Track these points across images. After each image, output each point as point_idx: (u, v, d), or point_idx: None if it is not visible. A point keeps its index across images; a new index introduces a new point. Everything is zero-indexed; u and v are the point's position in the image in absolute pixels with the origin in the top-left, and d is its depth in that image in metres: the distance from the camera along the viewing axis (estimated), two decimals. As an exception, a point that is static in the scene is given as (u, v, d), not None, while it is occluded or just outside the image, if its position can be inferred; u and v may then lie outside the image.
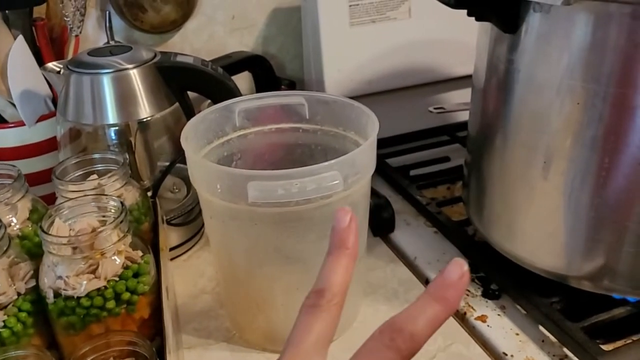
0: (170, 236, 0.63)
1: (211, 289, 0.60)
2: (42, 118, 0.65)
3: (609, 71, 0.45)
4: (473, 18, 0.51)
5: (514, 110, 0.52)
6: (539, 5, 0.46)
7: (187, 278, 0.61)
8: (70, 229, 0.44)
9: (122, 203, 0.45)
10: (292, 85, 0.86)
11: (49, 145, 0.66)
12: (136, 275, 0.44)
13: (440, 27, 0.81)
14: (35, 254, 0.47)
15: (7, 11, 0.61)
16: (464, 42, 0.81)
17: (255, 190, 0.42)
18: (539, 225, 0.53)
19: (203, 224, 0.68)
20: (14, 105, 0.63)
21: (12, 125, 0.64)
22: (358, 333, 0.53)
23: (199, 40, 0.83)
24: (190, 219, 0.65)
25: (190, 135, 0.49)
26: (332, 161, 0.43)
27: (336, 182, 0.42)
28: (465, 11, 0.51)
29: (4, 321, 0.41)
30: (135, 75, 0.58)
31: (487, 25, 0.53)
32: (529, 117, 0.51)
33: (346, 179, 0.44)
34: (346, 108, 0.53)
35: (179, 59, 0.61)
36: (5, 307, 0.42)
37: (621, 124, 0.46)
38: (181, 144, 0.62)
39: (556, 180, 0.50)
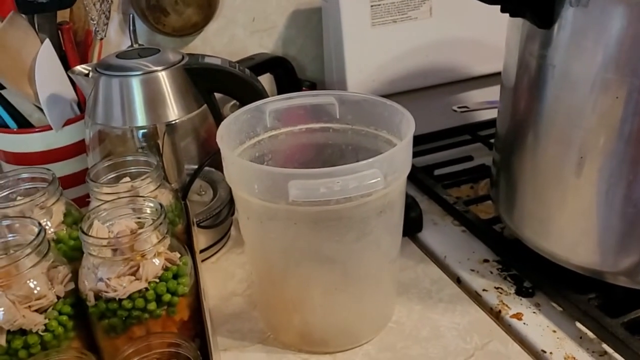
0: (198, 239, 0.63)
1: (242, 291, 0.60)
2: (68, 122, 0.65)
3: (645, 65, 0.45)
4: (497, 16, 0.51)
5: (548, 107, 0.52)
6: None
7: (217, 280, 0.61)
8: (109, 231, 0.44)
9: (160, 205, 0.45)
10: (312, 87, 0.86)
11: (76, 149, 0.66)
12: (176, 276, 0.44)
13: (462, 26, 0.80)
14: (70, 257, 0.47)
15: (34, 15, 0.61)
16: (485, 40, 0.81)
17: (296, 189, 0.41)
18: (573, 222, 0.53)
19: (230, 227, 0.68)
20: (40, 109, 0.63)
21: (39, 129, 0.64)
22: (393, 333, 0.53)
23: (219, 43, 0.83)
24: (218, 221, 0.65)
25: (225, 135, 0.49)
26: (372, 159, 0.43)
27: (377, 179, 0.42)
28: (490, 8, 0.50)
29: (45, 324, 0.41)
30: (164, 77, 0.58)
31: (518, 21, 0.53)
32: (563, 113, 0.50)
33: (385, 177, 0.43)
34: (378, 107, 0.53)
35: (207, 60, 0.61)
36: (46, 310, 0.42)
37: (657, 117, 0.45)
38: (208, 145, 0.62)
39: (591, 176, 0.50)
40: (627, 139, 0.47)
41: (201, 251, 0.64)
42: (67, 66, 0.64)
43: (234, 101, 0.78)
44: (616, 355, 0.49)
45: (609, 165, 0.49)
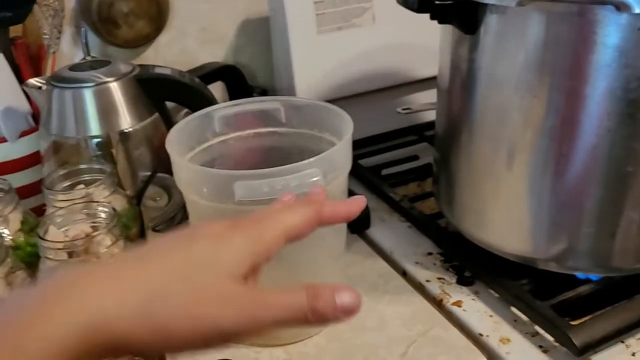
0: (154, 243, 0.65)
1: (198, 291, 0.62)
2: (23, 134, 0.66)
3: (562, 65, 0.49)
4: (435, 22, 0.55)
5: (478, 107, 0.56)
6: (495, 7, 0.50)
7: (173, 282, 0.63)
8: (65, 236, 0.46)
9: (113, 209, 0.47)
10: (263, 93, 0.88)
11: (31, 160, 0.67)
12: (130, 276, 0.46)
13: (403, 32, 0.84)
14: (28, 262, 0.49)
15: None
16: (426, 45, 0.85)
17: (242, 189, 0.44)
18: (505, 213, 0.57)
19: (186, 230, 0.70)
20: (-5, 122, 0.64)
21: (-6, 142, 0.65)
22: (341, 324, 0.56)
23: (171, 53, 0.85)
24: (173, 225, 0.67)
25: (174, 141, 0.51)
26: (312, 159, 0.46)
27: (317, 178, 0.45)
28: (427, 15, 0.54)
29: (4, 327, 0.43)
30: (115, 88, 0.60)
31: (448, 27, 0.57)
32: (492, 113, 0.55)
33: (325, 175, 0.46)
34: (320, 110, 0.57)
35: (157, 70, 0.63)
36: (4, 313, 0.43)
37: (575, 113, 0.50)
38: (161, 153, 0.64)
39: (519, 169, 0.54)
40: (549, 134, 0.51)
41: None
42: (20, 79, 0.66)
43: (186, 110, 0.81)
44: (546, 335, 0.53)
45: (535, 159, 0.53)
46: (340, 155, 0.49)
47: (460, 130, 0.59)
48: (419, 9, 0.51)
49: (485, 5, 0.50)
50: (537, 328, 0.54)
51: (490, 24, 0.51)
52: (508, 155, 0.54)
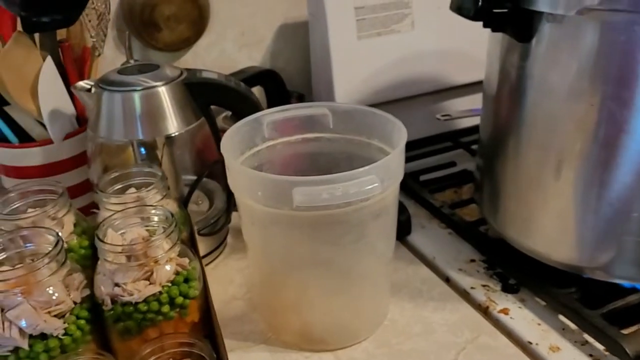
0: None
1: (242, 295, 0.62)
2: (68, 135, 0.67)
3: (616, 74, 0.49)
4: (476, 28, 0.54)
5: (527, 115, 0.56)
6: (551, 16, 0.49)
7: (217, 285, 0.63)
8: (122, 239, 0.46)
9: (171, 213, 0.47)
10: (301, 98, 0.89)
11: (75, 162, 0.68)
12: (187, 280, 0.47)
13: (442, 37, 0.84)
14: (81, 265, 0.49)
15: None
16: (465, 51, 0.85)
17: (301, 195, 0.44)
18: (553, 221, 0.57)
19: (227, 235, 0.71)
20: (41, 124, 0.65)
21: (40, 143, 0.66)
22: (389, 330, 0.56)
23: (210, 57, 0.85)
24: (216, 229, 0.67)
25: (228, 146, 0.52)
26: (370, 166, 0.46)
27: (375, 185, 0.45)
28: (467, 21, 0.54)
29: (64, 329, 0.43)
30: (164, 92, 0.60)
31: (498, 35, 0.57)
32: (542, 120, 0.54)
33: (382, 182, 0.46)
34: (369, 116, 0.57)
35: (205, 75, 0.63)
36: (64, 315, 0.44)
37: (627, 122, 0.49)
38: (205, 156, 0.65)
39: (569, 178, 0.54)
40: (601, 143, 0.51)
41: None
42: (66, 82, 0.66)
43: (226, 112, 0.81)
44: (596, 344, 0.52)
45: (585, 168, 0.53)
46: (395, 162, 0.49)
47: (507, 138, 0.59)
48: (474, 17, 0.51)
49: (541, 13, 0.50)
50: (587, 336, 0.53)
51: (545, 32, 0.51)
52: (557, 163, 0.54)
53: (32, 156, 0.66)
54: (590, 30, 0.48)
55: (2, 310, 0.42)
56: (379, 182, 0.46)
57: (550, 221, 0.57)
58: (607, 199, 0.53)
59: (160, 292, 0.45)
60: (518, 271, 0.61)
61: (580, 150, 0.52)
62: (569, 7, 0.48)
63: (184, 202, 0.62)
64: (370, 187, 0.45)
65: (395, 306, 0.59)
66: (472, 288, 0.61)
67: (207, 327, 0.49)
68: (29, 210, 0.52)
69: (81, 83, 0.61)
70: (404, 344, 0.54)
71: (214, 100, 0.64)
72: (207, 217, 0.67)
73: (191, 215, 0.66)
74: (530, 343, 0.53)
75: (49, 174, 0.67)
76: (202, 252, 0.66)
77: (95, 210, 0.56)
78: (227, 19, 0.84)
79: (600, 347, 0.52)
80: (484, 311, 0.58)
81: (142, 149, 0.61)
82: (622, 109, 0.49)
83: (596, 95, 0.50)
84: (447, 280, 0.63)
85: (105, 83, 0.60)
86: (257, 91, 0.83)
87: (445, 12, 0.57)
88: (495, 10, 0.50)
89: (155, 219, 0.49)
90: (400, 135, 0.51)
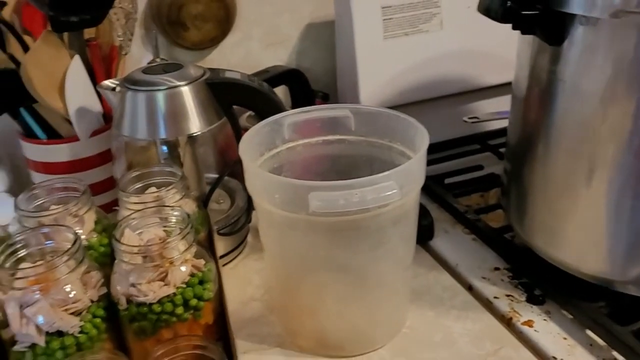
0: (217, 246, 0.65)
1: (260, 296, 0.62)
2: (94, 133, 0.67)
3: (653, 81, 0.46)
4: (506, 29, 0.53)
5: (558, 120, 0.54)
6: (585, 18, 0.47)
7: (235, 286, 0.63)
8: (139, 239, 0.46)
9: (188, 215, 0.47)
10: (325, 98, 0.88)
11: (100, 159, 0.69)
12: (201, 282, 0.46)
13: (471, 38, 0.83)
14: (100, 262, 0.50)
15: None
16: (494, 52, 0.83)
17: (317, 200, 0.44)
18: (583, 232, 0.55)
19: (247, 234, 0.70)
20: (68, 121, 0.66)
21: (67, 140, 0.66)
22: (407, 338, 0.55)
23: (235, 56, 0.85)
24: (236, 228, 0.67)
25: (246, 148, 0.51)
26: (390, 172, 0.45)
27: (394, 191, 0.44)
28: (497, 23, 0.52)
29: (80, 327, 0.43)
30: (187, 92, 0.60)
31: (528, 37, 0.55)
32: (573, 126, 0.52)
33: (402, 188, 0.45)
34: (392, 120, 0.55)
35: (227, 75, 0.63)
36: (81, 313, 0.44)
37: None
38: (226, 156, 0.64)
39: (600, 187, 0.52)
40: (635, 151, 0.49)
41: (220, 257, 0.66)
42: (93, 80, 0.67)
43: (249, 112, 0.81)
44: (625, 361, 0.50)
45: (618, 177, 0.51)
46: (416, 168, 0.48)
47: (536, 143, 0.57)
48: (502, 19, 0.49)
49: (574, 16, 0.48)
50: (616, 354, 0.51)
51: (577, 35, 0.49)
52: (588, 170, 0.52)
53: (59, 152, 0.67)
54: (625, 33, 0.46)
55: (21, 306, 0.42)
56: (398, 188, 0.44)
57: (579, 231, 0.55)
58: (640, 209, 0.51)
59: (175, 294, 0.45)
60: (544, 282, 0.59)
61: (613, 159, 0.50)
62: (603, 9, 0.46)
63: (204, 201, 0.62)
64: (388, 193, 0.44)
65: (415, 314, 0.58)
66: (495, 298, 0.59)
67: (222, 329, 0.49)
68: (52, 207, 0.52)
69: (106, 82, 0.61)
70: (422, 354, 0.53)
71: (236, 100, 0.64)
72: (228, 216, 0.67)
73: (212, 214, 0.66)
74: (555, 358, 0.51)
75: (75, 170, 0.67)
76: (221, 252, 0.66)
77: (116, 208, 0.56)
78: (253, 19, 0.84)
79: (629, 364, 0.50)
80: (507, 322, 0.56)
81: (165, 148, 0.61)
82: (658, 117, 0.47)
83: (631, 101, 0.48)
84: (470, 288, 0.61)
85: (129, 82, 0.60)
86: (282, 90, 0.82)
87: (475, 11, 0.56)
88: (524, 12, 0.48)
89: (173, 219, 0.49)
90: (423, 140, 0.50)
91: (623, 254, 0.53)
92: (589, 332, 0.53)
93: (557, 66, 0.52)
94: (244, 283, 0.64)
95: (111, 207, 0.59)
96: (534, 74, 0.56)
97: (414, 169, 0.47)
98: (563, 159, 0.54)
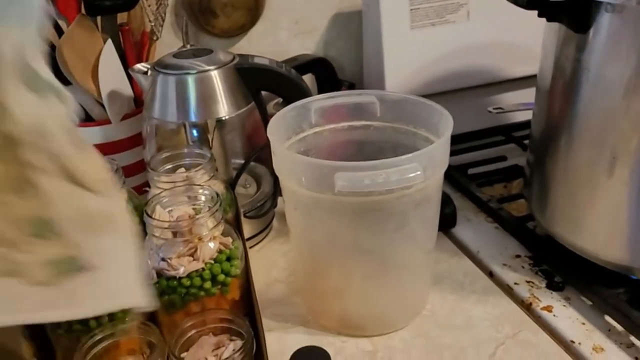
0: (244, 228, 0.67)
1: (284, 278, 0.63)
2: (126, 116, 0.69)
3: (679, 70, 0.47)
4: (533, 20, 0.53)
5: (582, 109, 0.54)
6: (610, 5, 0.48)
7: (260, 268, 0.65)
8: (170, 216, 0.48)
9: (217, 193, 0.48)
10: (351, 87, 0.89)
11: (131, 142, 0.71)
12: (229, 259, 0.48)
13: (498, 29, 0.83)
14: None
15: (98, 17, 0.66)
16: (521, 43, 0.83)
17: (343, 180, 0.45)
18: (604, 220, 0.55)
19: (272, 218, 0.72)
20: (100, 104, 0.68)
21: (99, 123, 0.68)
22: (428, 320, 0.56)
23: (264, 44, 0.87)
24: (262, 212, 0.69)
25: (274, 130, 0.53)
26: (413, 154, 0.46)
27: (417, 173, 0.45)
28: (527, 12, 0.53)
29: (113, 298, 0.45)
30: (216, 76, 0.62)
31: (554, 25, 0.55)
32: (597, 116, 0.53)
33: (425, 171, 0.46)
34: (417, 106, 0.56)
35: (256, 60, 0.64)
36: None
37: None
38: (254, 141, 0.66)
39: (623, 176, 0.52)
40: (657, 140, 0.49)
41: (246, 240, 0.68)
42: (125, 64, 0.69)
43: (277, 99, 0.82)
44: (643, 347, 0.51)
45: (639, 165, 0.51)
46: (440, 152, 0.49)
47: (560, 133, 0.57)
48: (528, 5, 0.50)
49: (600, 3, 0.49)
50: (633, 339, 0.52)
51: (603, 23, 0.50)
52: (610, 160, 0.53)
53: (91, 135, 0.68)
54: (651, 22, 0.47)
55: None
56: (421, 170, 0.45)
57: (600, 220, 0.55)
58: (662, 199, 0.51)
59: (203, 269, 0.46)
60: (564, 269, 0.59)
61: (635, 148, 0.51)
62: (629, -4, 0.46)
63: (231, 184, 0.64)
64: (412, 175, 0.45)
65: (436, 297, 0.59)
66: (515, 284, 0.60)
67: (248, 306, 0.51)
68: (85, 185, 0.54)
69: (138, 65, 0.63)
70: (443, 336, 0.54)
71: (264, 85, 0.65)
72: (254, 200, 0.68)
73: (238, 197, 0.68)
74: (573, 342, 0.52)
75: (107, 153, 0.69)
76: (247, 235, 0.68)
77: (147, 189, 0.58)
78: (281, 7, 0.85)
79: (648, 350, 0.50)
80: (527, 307, 0.57)
81: (194, 131, 0.63)
82: (682, 106, 0.47)
83: (656, 90, 0.48)
84: (491, 274, 0.62)
85: (160, 66, 0.62)
86: (309, 79, 0.83)
87: (502, 3, 0.56)
88: (550, -1, 0.49)
89: (202, 198, 0.51)
90: (447, 125, 0.51)
91: (644, 242, 0.53)
92: (608, 318, 0.54)
93: (582, 55, 0.52)
94: (269, 265, 0.66)
95: (140, 190, 0.61)
96: (559, 63, 0.56)
97: (437, 153, 0.48)
98: (585, 149, 0.55)
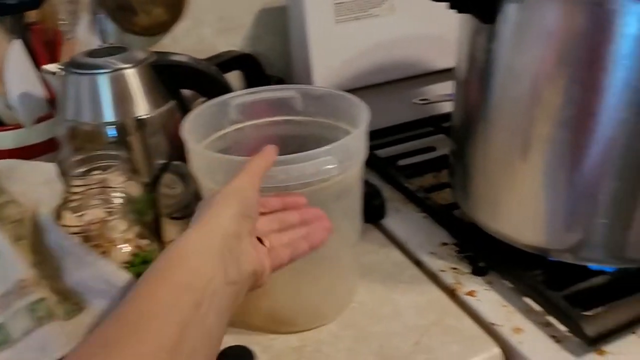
0: (169, 230, 0.66)
1: (212, 278, 0.62)
2: (40, 120, 0.67)
3: (579, 56, 0.48)
4: (453, 13, 0.54)
5: (494, 98, 0.55)
6: (514, -5, 0.49)
7: (188, 269, 0.63)
8: (81, 221, 0.47)
9: (128, 196, 0.47)
10: (280, 83, 0.88)
11: (47, 147, 0.68)
12: (145, 262, 0.47)
13: (422, 22, 0.84)
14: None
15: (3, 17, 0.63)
16: (445, 36, 0.85)
17: (257, 176, 0.44)
18: (521, 204, 0.57)
19: (200, 218, 0.70)
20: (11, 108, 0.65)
21: (11, 127, 0.65)
22: (356, 312, 0.56)
23: (188, 42, 0.85)
24: (189, 213, 0.67)
25: (190, 128, 0.52)
26: (328, 147, 0.46)
27: (333, 166, 0.45)
28: (446, 6, 0.54)
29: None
30: (132, 75, 0.60)
31: (467, 17, 0.56)
32: (509, 104, 0.54)
33: (341, 163, 0.46)
34: (337, 99, 0.56)
35: (174, 58, 0.63)
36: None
37: (592, 104, 0.49)
38: (177, 140, 0.64)
39: (535, 161, 0.54)
40: (566, 125, 0.51)
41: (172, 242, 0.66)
42: (37, 65, 0.66)
43: (203, 98, 0.81)
44: (559, 325, 0.52)
45: (551, 150, 0.53)
46: (356, 144, 0.49)
47: (477, 121, 0.59)
48: (438, -3, 0.50)
49: (505, -7, 0.50)
50: (550, 318, 0.53)
51: (509, 13, 0.51)
52: (524, 146, 0.54)
53: (3, 140, 0.66)
54: (553, 11, 0.48)
55: None
56: (337, 162, 0.45)
57: (517, 204, 0.57)
58: (574, 181, 0.53)
59: (117, 273, 0.45)
60: (487, 254, 0.61)
61: (546, 133, 0.52)
62: (530, -14, 0.48)
63: (152, 185, 0.62)
64: (327, 167, 0.45)
65: (365, 288, 0.59)
66: (441, 271, 0.61)
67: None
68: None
69: (48, 66, 0.61)
70: (370, 326, 0.54)
71: (183, 83, 0.64)
72: (180, 201, 0.67)
73: (165, 199, 0.66)
74: (494, 324, 0.53)
75: (21, 158, 0.66)
76: (173, 236, 0.66)
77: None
78: (205, 4, 0.84)
79: (563, 328, 0.52)
80: (451, 293, 0.58)
81: (114, 132, 0.61)
82: (586, 92, 0.49)
83: (560, 77, 0.50)
84: (418, 263, 0.63)
85: (72, 66, 0.60)
86: (237, 76, 0.83)
87: (425, -4, 0.57)
88: (457, -10, 0.50)
89: (116, 201, 0.49)
90: (363, 116, 0.51)
91: (558, 224, 0.55)
92: (527, 299, 0.55)
93: (492, 45, 0.53)
94: (197, 265, 0.64)
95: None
96: (473, 54, 0.57)
97: (352, 144, 0.48)
98: (500, 137, 0.56)
